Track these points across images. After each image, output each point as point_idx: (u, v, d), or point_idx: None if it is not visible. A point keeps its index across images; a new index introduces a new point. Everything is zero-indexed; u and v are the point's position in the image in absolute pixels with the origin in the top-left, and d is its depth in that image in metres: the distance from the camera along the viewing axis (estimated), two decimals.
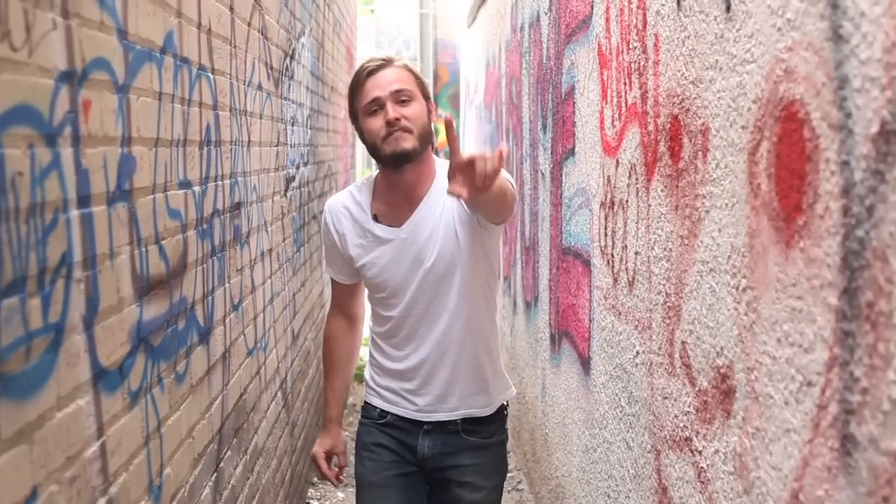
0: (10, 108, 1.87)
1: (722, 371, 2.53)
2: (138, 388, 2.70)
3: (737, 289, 2.40)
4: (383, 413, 3.87)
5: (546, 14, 5.75)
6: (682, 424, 2.89)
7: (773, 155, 2.15)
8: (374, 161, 3.77)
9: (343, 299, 4.04)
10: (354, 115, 3.68)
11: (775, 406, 2.16)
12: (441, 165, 3.73)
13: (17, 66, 1.91)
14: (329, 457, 4.05)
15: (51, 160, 2.05)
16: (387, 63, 3.63)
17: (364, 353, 5.79)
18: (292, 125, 6.16)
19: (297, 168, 6.46)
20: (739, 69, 2.37)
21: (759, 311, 2.25)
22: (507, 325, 8.28)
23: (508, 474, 7.37)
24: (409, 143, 3.54)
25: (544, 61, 5.86)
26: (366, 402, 3.98)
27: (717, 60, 2.54)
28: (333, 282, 4.01)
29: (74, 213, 2.20)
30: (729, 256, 2.46)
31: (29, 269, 1.94)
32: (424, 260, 3.65)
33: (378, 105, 3.56)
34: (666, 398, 3.06)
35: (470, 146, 13.95)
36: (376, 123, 3.56)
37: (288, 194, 6.00)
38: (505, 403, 3.96)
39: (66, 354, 2.14)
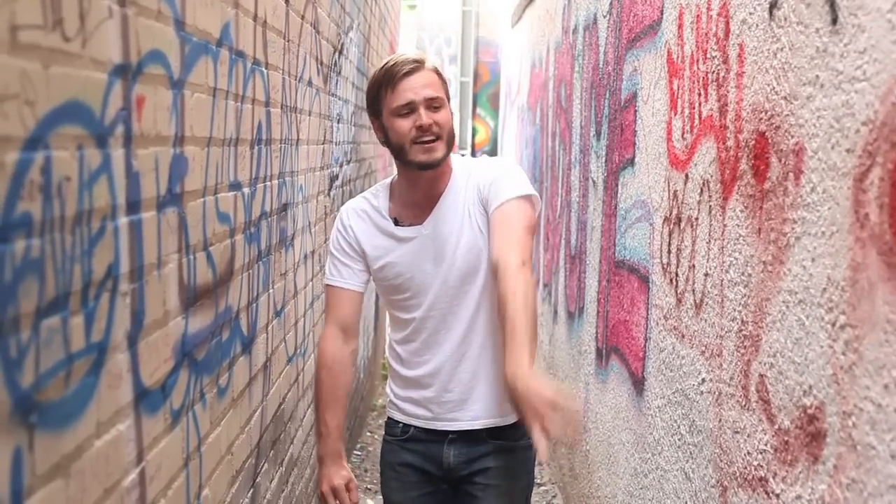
0: (59, 105, 1.69)
1: (809, 411, 2.35)
2: (180, 407, 2.53)
3: (833, 325, 2.22)
4: (406, 428, 3.78)
5: (605, 17, 5.57)
6: (756, 462, 2.72)
7: (888, 183, 1.96)
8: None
9: (343, 312, 3.74)
10: (377, 111, 3.62)
11: (878, 458, 1.98)
12: (454, 159, 3.73)
13: (69, 57, 1.73)
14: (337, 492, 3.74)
15: (101, 163, 1.87)
16: (419, 66, 3.57)
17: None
18: (338, 122, 5.99)
19: (341, 166, 6.30)
20: (846, 87, 2.18)
21: (862, 352, 2.06)
22: (545, 334, 8.11)
23: (542, 487, 7.27)
24: (440, 152, 3.53)
25: (601, 66, 5.68)
26: (388, 419, 3.88)
27: (817, 76, 2.35)
28: (332, 295, 3.74)
29: (123, 221, 2.02)
30: (824, 289, 2.27)
31: (73, 283, 1.76)
32: (448, 255, 3.60)
33: (410, 109, 3.52)
34: (737, 432, 2.89)
35: (510, 147, 13.80)
36: (406, 125, 3.51)
37: (331, 193, 5.84)
38: None
39: (108, 376, 1.97)
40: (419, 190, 3.64)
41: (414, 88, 3.51)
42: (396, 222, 3.66)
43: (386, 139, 3.62)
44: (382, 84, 3.56)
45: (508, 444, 3.73)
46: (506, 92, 16.15)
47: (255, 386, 3.53)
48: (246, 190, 3.24)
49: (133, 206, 2.08)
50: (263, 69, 3.47)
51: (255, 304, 3.49)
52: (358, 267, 3.69)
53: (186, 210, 2.51)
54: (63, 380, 1.73)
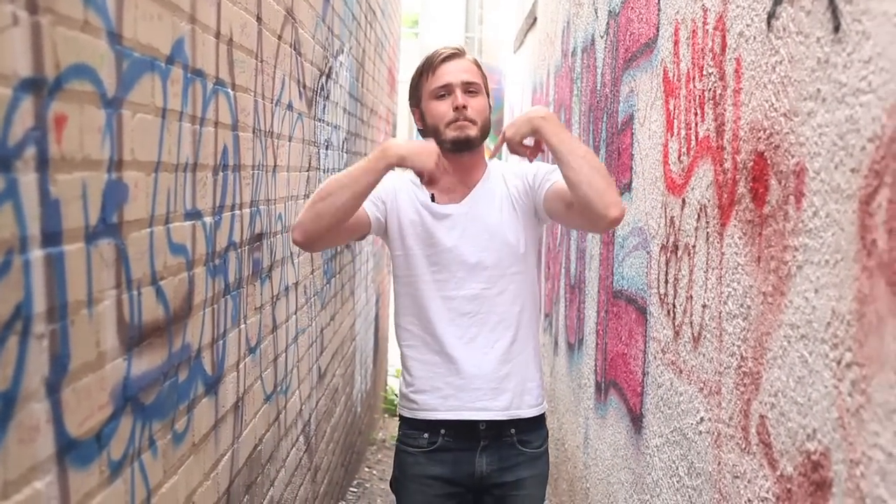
0: None
1: (814, 458, 2.16)
2: (122, 457, 2.30)
3: (838, 363, 2.03)
4: (433, 439, 3.76)
5: (602, 37, 5.39)
6: None
7: None
8: None
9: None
10: (417, 99, 3.81)
11: None
12: (490, 162, 3.89)
13: None
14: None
15: (2, 189, 1.65)
16: (459, 53, 3.79)
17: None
18: (326, 148, 5.78)
19: None
20: (850, 100, 1.98)
21: (870, 394, 1.86)
22: (546, 366, 7.92)
23: None
24: (473, 131, 3.68)
25: (598, 88, 5.52)
26: (406, 432, 3.84)
27: (818, 90, 2.16)
28: None
29: (37, 254, 1.79)
30: (828, 323, 2.08)
31: None
32: (485, 238, 3.73)
33: (447, 91, 3.71)
34: (737, 477, 2.70)
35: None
36: (443, 107, 3.70)
37: None
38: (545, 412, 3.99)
39: (17, 429, 1.74)
40: (454, 175, 3.75)
41: (453, 72, 3.71)
42: (433, 199, 3.77)
43: (424, 126, 3.79)
44: (423, 71, 3.77)
45: (537, 452, 3.85)
46: (509, 118, 16.00)
47: (222, 428, 3.30)
48: (207, 219, 3.03)
49: (51, 238, 1.85)
50: (229, 90, 3.26)
51: (221, 341, 3.27)
52: (381, 210, 3.76)
53: (127, 241, 2.29)
54: None
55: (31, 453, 1.80)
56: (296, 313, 4.88)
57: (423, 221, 3.75)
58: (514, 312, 3.75)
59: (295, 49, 4.55)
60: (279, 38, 4.14)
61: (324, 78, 5.58)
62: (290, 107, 4.47)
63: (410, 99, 3.84)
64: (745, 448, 2.63)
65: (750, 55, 2.65)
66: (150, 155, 2.45)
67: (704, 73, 3.12)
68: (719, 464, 2.86)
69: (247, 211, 3.61)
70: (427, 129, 3.76)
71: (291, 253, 4.67)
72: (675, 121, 3.52)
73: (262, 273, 3.97)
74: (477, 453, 3.75)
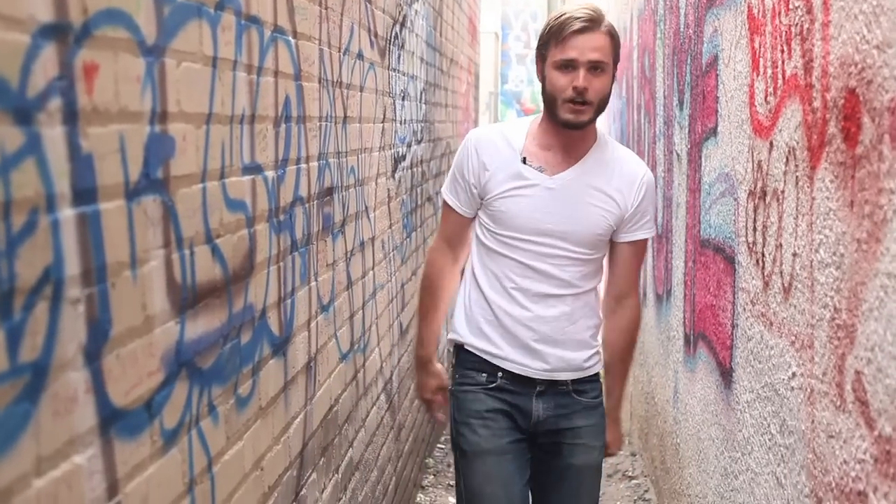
0: None
1: None
2: (177, 425, 2.18)
3: None
4: (491, 378, 3.79)
5: None
6: (853, 474, 2.37)
7: None
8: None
9: (455, 232, 3.94)
10: (543, 56, 3.70)
11: None
12: (600, 128, 3.88)
13: None
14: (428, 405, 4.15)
15: (21, 144, 1.52)
16: (593, 25, 3.60)
17: None
18: (402, 99, 5.64)
19: (409, 146, 5.95)
20: None
21: None
22: None
23: (634, 480, 6.92)
24: (587, 115, 3.63)
25: (682, 29, 5.34)
26: (463, 370, 3.87)
27: None
28: (448, 213, 3.93)
29: (67, 213, 1.67)
30: None
31: None
32: (570, 218, 3.70)
33: (571, 66, 3.58)
34: (832, 437, 2.53)
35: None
36: (563, 80, 3.60)
37: (396, 175, 5.49)
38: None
39: (51, 401, 1.63)
40: (558, 140, 3.73)
41: (580, 48, 3.57)
42: (525, 161, 3.73)
43: (543, 86, 3.72)
44: (552, 34, 3.63)
45: (594, 402, 3.87)
46: None
47: (292, 390, 3.19)
48: (269, 173, 2.90)
49: (84, 195, 1.73)
50: (290, 38, 3.12)
51: (289, 300, 3.15)
52: (475, 195, 3.79)
53: (175, 198, 2.17)
54: None
55: (68, 426, 1.69)
56: (373, 269, 4.76)
57: (509, 186, 3.74)
58: (581, 286, 3.80)
59: None
60: None
61: (397, 26, 5.43)
62: (360, 56, 4.33)
63: (538, 50, 3.75)
64: (839, 406, 2.47)
65: None
66: (200, 106, 2.33)
67: (791, 7, 2.94)
68: (813, 422, 2.71)
69: (314, 164, 3.48)
70: (545, 93, 3.71)
71: (366, 207, 4.54)
72: (761, 59, 3.35)
73: (334, 228, 3.84)
74: (533, 398, 3.78)
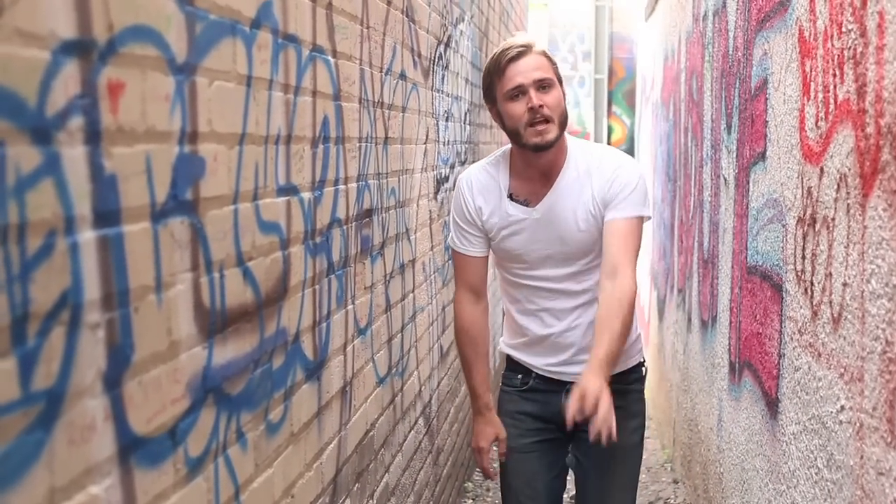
0: None
1: None
2: (202, 453, 2.13)
3: None
4: (525, 379, 4.05)
5: None
6: None
7: None
8: None
9: (473, 276, 4.03)
10: (492, 99, 3.82)
11: None
12: (571, 140, 3.93)
13: None
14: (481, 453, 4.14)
15: (38, 165, 1.47)
16: (527, 49, 3.73)
17: None
18: (446, 120, 5.59)
19: (452, 168, 5.90)
20: None
21: None
22: (679, 343, 7.69)
23: None
24: (552, 133, 3.71)
25: (730, 52, 5.27)
26: (506, 371, 4.15)
27: None
28: (461, 261, 4.02)
29: (88, 236, 1.62)
30: None
31: None
32: (562, 235, 3.83)
33: (520, 91, 3.70)
34: (882, 474, 2.46)
35: (646, 146, 13.40)
36: (519, 109, 3.70)
37: (439, 197, 5.43)
38: (642, 360, 4.18)
39: (67, 429, 1.57)
40: (535, 168, 3.84)
41: (522, 72, 3.70)
42: (512, 197, 3.86)
43: (503, 126, 3.83)
44: (493, 72, 3.77)
45: (622, 386, 3.90)
46: (641, 88, 15.70)
47: (326, 416, 3.13)
48: (305, 195, 2.85)
49: (106, 217, 1.68)
50: (329, 57, 3.07)
51: (325, 324, 3.10)
52: (480, 235, 3.93)
53: (205, 220, 2.11)
54: None
55: (84, 455, 1.63)
56: (413, 291, 4.70)
57: (504, 223, 3.88)
58: (592, 293, 3.89)
59: (407, 15, 4.36)
60: (388, 3, 3.96)
61: (441, 46, 5.38)
62: (402, 76, 4.28)
63: (485, 97, 3.87)
64: (890, 442, 2.40)
65: (894, 7, 2.39)
66: (233, 126, 2.28)
67: (843, 29, 2.87)
68: (862, 457, 2.63)
69: (353, 185, 3.43)
70: (507, 130, 3.81)
71: (407, 229, 4.49)
72: (812, 83, 3.27)
73: (373, 251, 3.80)
74: (563, 395, 3.84)
